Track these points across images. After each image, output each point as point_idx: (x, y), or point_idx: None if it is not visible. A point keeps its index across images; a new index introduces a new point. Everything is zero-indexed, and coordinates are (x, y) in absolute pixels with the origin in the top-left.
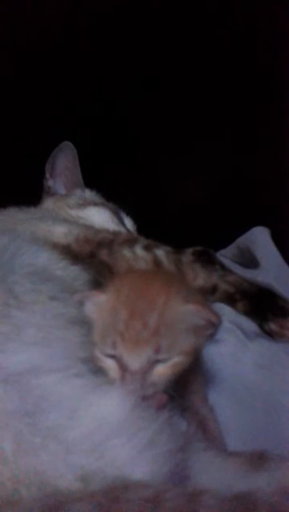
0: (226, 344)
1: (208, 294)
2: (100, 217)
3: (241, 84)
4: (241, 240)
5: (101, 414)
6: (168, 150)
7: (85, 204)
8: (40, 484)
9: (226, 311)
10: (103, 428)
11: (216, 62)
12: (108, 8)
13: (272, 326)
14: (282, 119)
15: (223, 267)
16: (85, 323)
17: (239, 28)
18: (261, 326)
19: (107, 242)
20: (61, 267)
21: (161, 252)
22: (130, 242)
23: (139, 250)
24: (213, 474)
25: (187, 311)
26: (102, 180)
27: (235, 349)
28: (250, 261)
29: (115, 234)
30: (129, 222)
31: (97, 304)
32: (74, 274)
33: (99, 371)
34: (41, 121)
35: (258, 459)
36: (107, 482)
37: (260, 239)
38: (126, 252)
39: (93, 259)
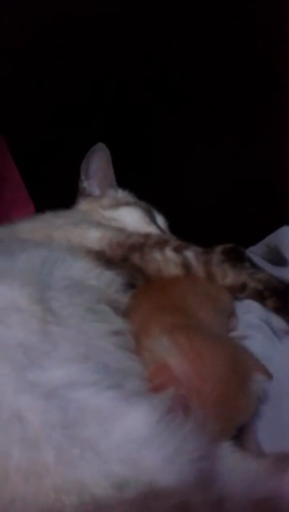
0: (254, 341)
1: (237, 292)
2: (132, 217)
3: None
4: (270, 239)
5: (132, 425)
6: (190, 146)
7: (117, 205)
8: (79, 492)
9: (255, 308)
10: (134, 438)
11: (232, 62)
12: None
13: None
14: None
15: (252, 264)
16: (119, 334)
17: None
18: None
19: (139, 245)
20: (95, 275)
21: (190, 254)
22: (161, 244)
23: (169, 252)
24: (239, 477)
25: None
26: (127, 181)
27: (264, 346)
28: (279, 259)
29: (146, 237)
30: (160, 220)
31: None
32: (108, 280)
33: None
34: (75, 124)
35: (283, 461)
36: (140, 489)
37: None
38: (156, 255)
39: (126, 262)
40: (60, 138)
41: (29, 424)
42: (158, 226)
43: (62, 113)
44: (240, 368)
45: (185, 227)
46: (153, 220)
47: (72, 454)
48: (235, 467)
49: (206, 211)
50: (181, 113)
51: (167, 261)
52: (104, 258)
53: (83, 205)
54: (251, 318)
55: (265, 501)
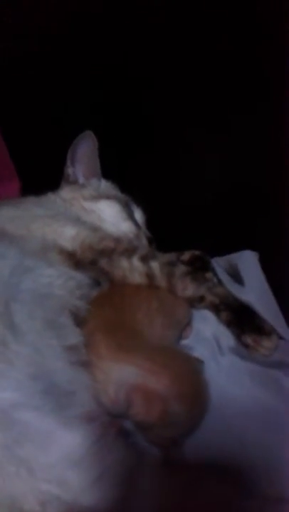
0: (198, 356)
1: (196, 302)
2: (110, 211)
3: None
4: (232, 257)
5: (67, 447)
6: (184, 144)
7: (98, 197)
8: (10, 506)
9: (210, 321)
10: (66, 459)
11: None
12: None
13: (248, 340)
14: None
15: (215, 275)
16: (74, 349)
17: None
18: (239, 338)
19: (109, 250)
20: (62, 282)
21: (156, 265)
22: (129, 251)
23: (135, 261)
24: (155, 491)
25: None
26: (117, 171)
27: (206, 365)
28: (237, 278)
29: (117, 242)
30: (138, 214)
31: None
32: (74, 286)
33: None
34: (65, 112)
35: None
36: (62, 507)
37: (248, 262)
38: (123, 263)
39: (94, 266)
40: (51, 117)
41: None
42: (134, 221)
43: (55, 93)
44: (191, 359)
45: (166, 223)
46: (130, 215)
47: (9, 471)
48: (154, 481)
49: (186, 212)
50: (181, 104)
51: (133, 270)
52: (74, 259)
53: (66, 193)
54: (203, 330)
55: None
